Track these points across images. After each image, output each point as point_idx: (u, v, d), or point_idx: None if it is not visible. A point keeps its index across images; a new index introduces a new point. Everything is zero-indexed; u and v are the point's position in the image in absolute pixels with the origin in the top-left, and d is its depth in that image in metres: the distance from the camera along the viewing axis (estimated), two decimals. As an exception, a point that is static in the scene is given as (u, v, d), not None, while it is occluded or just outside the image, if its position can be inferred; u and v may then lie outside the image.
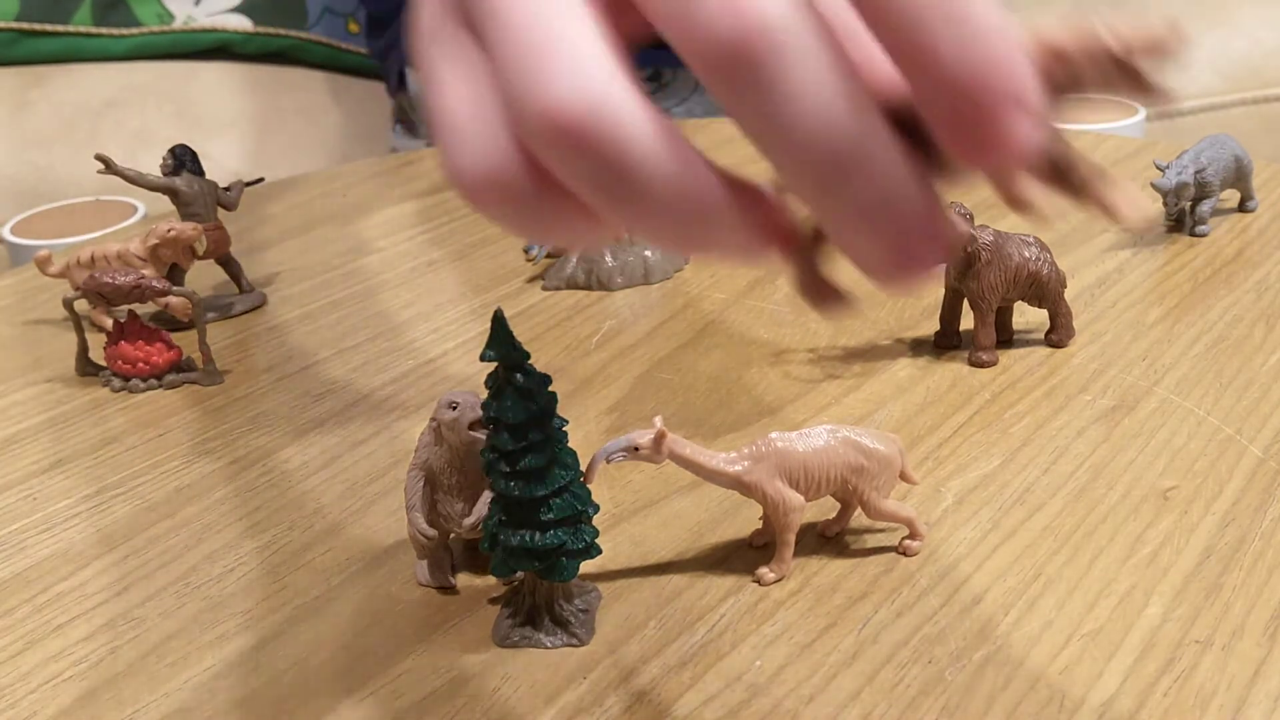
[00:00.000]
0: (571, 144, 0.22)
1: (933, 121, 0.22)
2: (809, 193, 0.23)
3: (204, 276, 0.71)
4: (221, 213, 0.68)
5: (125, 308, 0.62)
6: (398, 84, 1.25)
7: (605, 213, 0.24)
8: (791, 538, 0.42)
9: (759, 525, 0.44)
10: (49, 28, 1.28)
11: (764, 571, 0.42)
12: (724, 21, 0.21)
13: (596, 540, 0.39)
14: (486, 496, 0.41)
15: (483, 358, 0.37)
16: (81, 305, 0.62)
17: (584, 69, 0.22)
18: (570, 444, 0.38)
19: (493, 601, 0.42)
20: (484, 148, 0.24)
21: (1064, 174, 0.23)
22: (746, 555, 0.44)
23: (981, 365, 0.56)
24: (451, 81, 0.25)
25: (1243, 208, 0.72)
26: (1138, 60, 0.22)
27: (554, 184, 0.24)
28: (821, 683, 0.38)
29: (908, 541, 0.43)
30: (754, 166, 0.22)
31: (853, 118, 0.22)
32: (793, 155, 0.22)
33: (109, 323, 0.61)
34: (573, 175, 0.23)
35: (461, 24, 0.25)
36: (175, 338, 0.62)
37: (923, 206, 0.23)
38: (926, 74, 0.22)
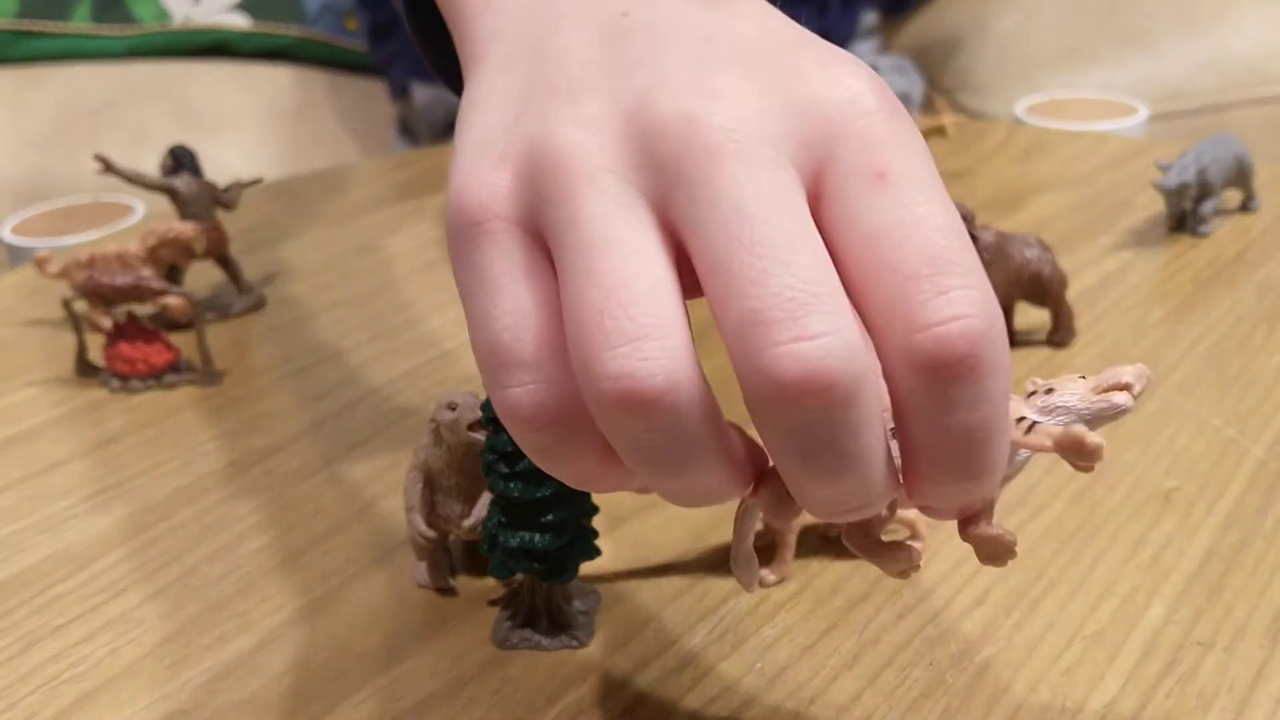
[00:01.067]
0: (637, 416, 0.22)
1: (914, 491, 0.26)
2: (801, 486, 0.25)
3: (203, 277, 0.71)
4: (220, 213, 0.68)
5: (124, 308, 0.62)
6: (400, 93, 1.25)
7: (637, 470, 0.24)
8: (793, 539, 0.42)
9: (759, 527, 0.44)
10: (47, 27, 1.28)
11: (765, 573, 0.42)
12: (789, 364, 0.22)
13: (596, 542, 0.39)
14: (486, 498, 0.41)
15: (482, 359, 0.36)
16: (80, 306, 0.62)
17: (667, 345, 0.22)
18: (570, 445, 0.38)
19: (492, 603, 0.42)
20: (554, 394, 0.24)
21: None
22: (747, 557, 0.43)
23: (982, 366, 0.56)
24: (516, 299, 0.24)
25: (1245, 208, 0.72)
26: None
27: (596, 432, 0.24)
28: (823, 685, 0.37)
29: (909, 543, 0.43)
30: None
31: (878, 468, 0.24)
32: (813, 484, 0.24)
33: (108, 323, 0.61)
34: (621, 437, 0.23)
35: (526, 227, 0.24)
36: (174, 338, 0.62)
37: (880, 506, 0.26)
38: (937, 481, 0.25)
